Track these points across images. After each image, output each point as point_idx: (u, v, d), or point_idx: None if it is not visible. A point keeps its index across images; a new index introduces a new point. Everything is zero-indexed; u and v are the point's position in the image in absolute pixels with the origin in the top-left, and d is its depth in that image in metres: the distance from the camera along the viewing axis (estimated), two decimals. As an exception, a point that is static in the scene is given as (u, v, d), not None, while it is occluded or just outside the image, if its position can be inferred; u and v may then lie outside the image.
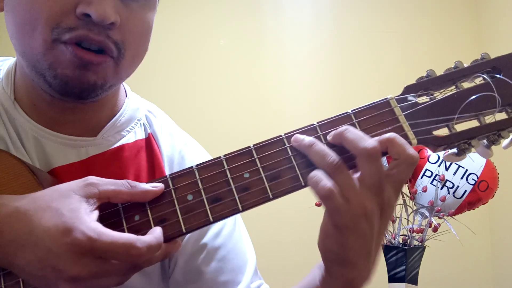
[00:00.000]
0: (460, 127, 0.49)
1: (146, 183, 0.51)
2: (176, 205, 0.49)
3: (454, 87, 0.50)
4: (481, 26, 2.34)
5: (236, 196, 0.49)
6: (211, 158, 0.75)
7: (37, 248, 0.44)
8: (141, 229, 0.49)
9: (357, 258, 0.48)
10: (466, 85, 0.51)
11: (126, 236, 0.44)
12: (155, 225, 0.49)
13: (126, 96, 0.71)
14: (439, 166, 1.64)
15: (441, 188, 1.65)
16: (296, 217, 2.05)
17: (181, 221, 0.49)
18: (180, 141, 0.72)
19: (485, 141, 0.49)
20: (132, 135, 0.68)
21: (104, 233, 0.44)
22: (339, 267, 0.50)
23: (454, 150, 0.49)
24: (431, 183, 1.66)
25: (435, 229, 1.61)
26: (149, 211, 0.49)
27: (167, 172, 0.68)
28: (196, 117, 2.25)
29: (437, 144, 0.49)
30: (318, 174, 0.48)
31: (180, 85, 2.33)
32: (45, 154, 0.62)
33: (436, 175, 1.63)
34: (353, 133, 0.49)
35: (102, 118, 0.66)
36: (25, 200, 0.47)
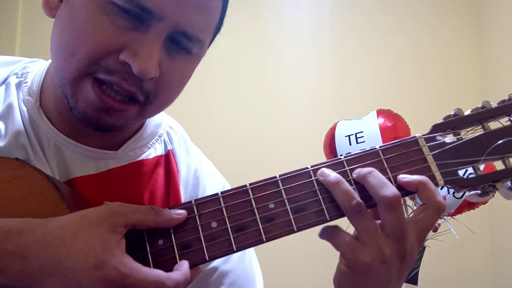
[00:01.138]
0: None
1: (170, 208, 0.51)
2: (200, 232, 0.49)
3: (480, 127, 0.51)
4: (481, 26, 2.34)
5: (261, 227, 0.49)
6: (223, 179, 0.75)
7: (66, 279, 0.43)
8: (165, 254, 0.49)
9: None
10: (492, 125, 0.51)
11: (156, 274, 0.44)
12: (178, 251, 0.49)
13: None
14: (440, 166, 1.64)
15: (441, 188, 1.66)
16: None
17: (204, 248, 0.48)
18: (195, 161, 0.72)
19: (508, 183, 0.49)
20: (152, 151, 0.68)
21: (136, 269, 0.44)
22: None
23: (478, 191, 0.50)
24: (432, 183, 1.67)
25: (435, 229, 1.63)
26: (173, 236, 0.49)
27: (182, 191, 0.68)
28: (197, 117, 2.25)
29: (463, 185, 0.50)
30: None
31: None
32: (65, 164, 0.61)
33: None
34: (376, 179, 0.49)
35: (126, 134, 0.66)
36: (51, 226, 0.45)
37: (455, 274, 2.10)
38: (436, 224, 1.66)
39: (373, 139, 1.61)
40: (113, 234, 0.45)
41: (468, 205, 1.67)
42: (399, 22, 2.41)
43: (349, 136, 1.68)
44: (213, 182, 0.72)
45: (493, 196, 1.61)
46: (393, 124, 1.65)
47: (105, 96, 0.53)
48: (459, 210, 1.66)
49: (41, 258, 0.44)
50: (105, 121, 0.55)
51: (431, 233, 1.63)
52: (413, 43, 2.38)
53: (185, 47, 0.56)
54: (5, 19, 2.21)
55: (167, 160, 0.69)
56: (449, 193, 1.67)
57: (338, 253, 0.50)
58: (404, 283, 1.60)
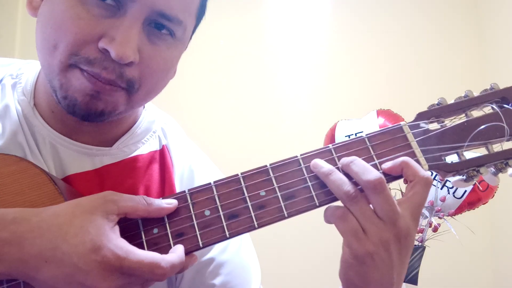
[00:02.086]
0: (468, 154, 0.51)
1: (162, 198, 0.52)
2: (194, 220, 0.51)
3: (464, 115, 0.52)
4: (482, 26, 2.34)
5: (252, 214, 0.51)
6: (219, 172, 0.76)
7: (63, 264, 0.44)
8: (159, 242, 0.50)
9: None
10: (475, 113, 0.52)
11: (151, 256, 0.46)
12: (173, 239, 0.50)
13: (144, 107, 0.72)
14: (439, 166, 1.64)
15: (441, 188, 1.65)
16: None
17: (198, 236, 0.50)
18: (191, 155, 0.73)
19: (492, 168, 0.51)
20: (147, 146, 0.69)
21: (131, 252, 0.45)
22: None
23: (463, 176, 0.51)
24: (431, 183, 1.66)
25: (435, 229, 1.62)
26: (167, 225, 0.51)
27: (177, 185, 0.69)
28: (196, 117, 2.25)
29: (447, 170, 0.51)
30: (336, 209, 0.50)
31: (180, 85, 2.33)
32: (60, 161, 0.63)
33: (436, 175, 1.63)
34: (358, 166, 0.50)
35: (119, 130, 0.67)
36: (46, 215, 0.47)
37: (455, 274, 2.09)
38: (436, 224, 1.66)
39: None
40: (107, 221, 0.47)
41: (468, 205, 1.66)
42: (399, 22, 2.41)
43: (349, 136, 1.69)
44: (209, 175, 0.73)
45: (493, 195, 1.61)
46: (393, 124, 1.65)
47: (95, 79, 0.54)
48: (459, 210, 1.65)
49: (38, 245, 0.45)
50: (95, 106, 0.55)
51: (431, 233, 1.63)
52: (414, 43, 2.38)
53: (166, 30, 0.57)
54: (5, 19, 2.22)
55: (162, 155, 0.70)
56: (449, 193, 1.67)
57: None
58: (404, 283, 1.60)
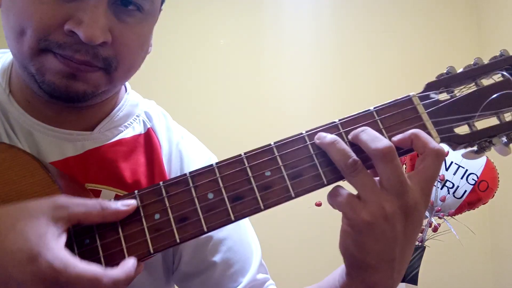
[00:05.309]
0: (479, 124, 0.49)
1: (118, 199, 0.49)
2: (197, 204, 0.48)
3: (473, 84, 0.50)
4: (482, 26, 2.35)
5: (258, 195, 0.48)
6: (208, 151, 0.76)
7: None
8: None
9: (378, 262, 0.46)
10: (485, 82, 0.50)
11: (93, 270, 0.42)
12: (175, 224, 0.48)
13: (126, 91, 0.71)
14: (439, 165, 1.65)
15: (441, 188, 1.65)
16: (295, 218, 2.05)
17: (202, 220, 0.48)
18: (177, 135, 0.72)
19: (504, 138, 0.49)
20: (130, 130, 0.67)
21: (71, 265, 0.41)
22: (359, 271, 0.48)
23: (474, 148, 0.49)
24: (431, 183, 1.66)
25: (435, 229, 1.61)
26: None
27: (166, 165, 0.68)
28: (196, 117, 2.23)
29: (459, 142, 0.48)
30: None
31: (180, 85, 2.32)
32: (38, 149, 0.61)
33: (437, 174, 1.62)
34: (368, 134, 0.48)
35: (101, 115, 0.66)
36: None
37: (455, 274, 2.07)
38: (436, 224, 1.65)
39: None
40: (53, 228, 0.43)
41: (468, 205, 1.66)
42: (400, 22, 2.42)
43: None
44: (198, 154, 0.72)
45: (493, 195, 1.60)
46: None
47: (69, 60, 0.53)
48: (459, 210, 1.65)
49: None
50: (75, 88, 0.55)
51: (431, 233, 1.62)
52: (414, 43, 2.38)
53: (133, 6, 0.56)
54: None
55: (148, 138, 0.69)
56: (449, 193, 1.67)
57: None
58: (404, 283, 1.58)
